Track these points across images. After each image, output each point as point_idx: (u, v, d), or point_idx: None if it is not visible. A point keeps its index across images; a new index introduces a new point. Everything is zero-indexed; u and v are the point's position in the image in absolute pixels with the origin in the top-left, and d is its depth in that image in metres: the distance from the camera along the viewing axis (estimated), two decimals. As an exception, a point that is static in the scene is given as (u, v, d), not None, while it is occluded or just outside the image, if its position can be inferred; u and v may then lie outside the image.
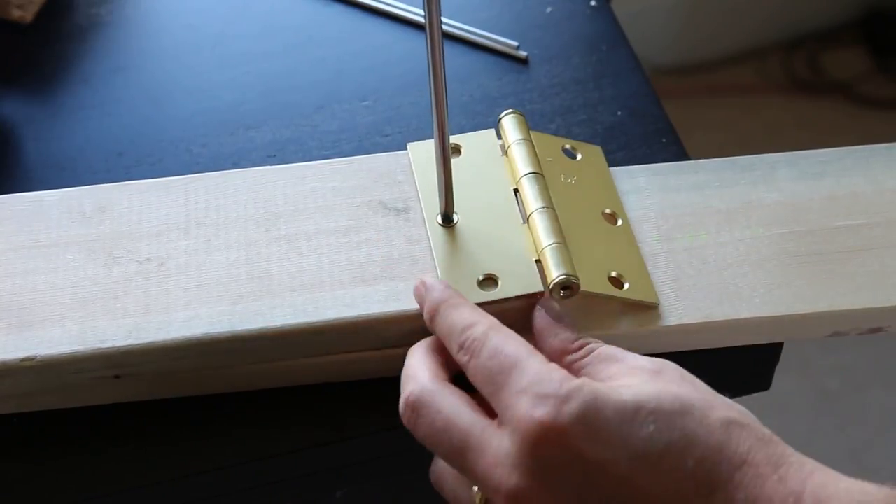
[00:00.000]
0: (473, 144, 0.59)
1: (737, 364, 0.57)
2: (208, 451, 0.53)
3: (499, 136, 0.59)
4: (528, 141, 0.57)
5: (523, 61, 0.70)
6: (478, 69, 0.70)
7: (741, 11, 1.80)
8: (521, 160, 0.56)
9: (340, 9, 0.75)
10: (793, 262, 0.55)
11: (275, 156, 0.66)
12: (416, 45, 0.72)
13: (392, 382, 0.55)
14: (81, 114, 0.69)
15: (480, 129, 0.62)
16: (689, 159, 0.63)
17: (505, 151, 0.57)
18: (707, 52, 1.83)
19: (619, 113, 0.67)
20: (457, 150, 0.58)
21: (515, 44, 0.71)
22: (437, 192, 0.55)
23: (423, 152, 0.58)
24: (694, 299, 0.54)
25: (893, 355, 1.59)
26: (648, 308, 0.54)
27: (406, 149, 0.59)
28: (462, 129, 0.66)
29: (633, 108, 0.67)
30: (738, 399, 0.61)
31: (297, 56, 0.72)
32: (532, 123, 0.66)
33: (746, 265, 0.55)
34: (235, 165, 0.64)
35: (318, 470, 0.56)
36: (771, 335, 0.55)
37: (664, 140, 0.65)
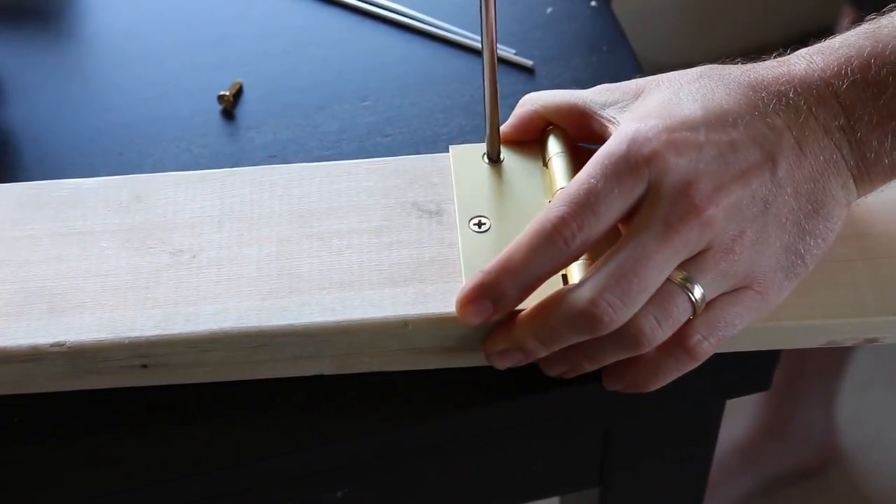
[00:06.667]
0: (515, 154, 0.59)
1: (737, 364, 0.57)
2: (208, 451, 0.53)
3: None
4: (568, 155, 0.57)
5: (529, 70, 0.70)
6: (478, 69, 0.70)
7: (741, 11, 1.80)
8: (558, 173, 0.56)
9: (340, 11, 0.75)
10: None
11: (275, 156, 0.66)
12: (416, 46, 0.73)
13: (392, 382, 0.55)
14: (81, 114, 0.69)
15: (480, 129, 0.61)
16: (689, 160, 0.63)
17: (545, 163, 0.57)
18: (707, 51, 1.83)
19: (620, 113, 0.67)
20: (498, 157, 0.58)
21: (514, 51, 0.71)
22: (472, 196, 0.56)
23: (463, 155, 0.58)
24: None
25: (893, 355, 1.59)
26: None
27: (429, 153, 0.59)
28: (462, 130, 0.66)
29: (634, 108, 0.67)
30: (738, 399, 0.62)
31: (298, 57, 0.72)
32: (532, 124, 0.66)
33: None
34: (236, 165, 0.64)
35: (319, 470, 0.56)
36: (765, 343, 0.55)
37: (664, 140, 0.65)
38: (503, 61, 0.71)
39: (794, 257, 0.51)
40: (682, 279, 0.49)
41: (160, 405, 0.54)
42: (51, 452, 0.53)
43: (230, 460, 0.53)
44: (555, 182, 0.55)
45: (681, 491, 0.70)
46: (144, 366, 0.53)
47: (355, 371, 0.54)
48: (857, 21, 0.54)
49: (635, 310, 0.48)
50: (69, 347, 0.52)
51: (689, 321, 0.50)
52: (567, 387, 0.55)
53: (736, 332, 0.51)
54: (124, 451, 0.53)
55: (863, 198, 0.54)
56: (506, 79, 0.70)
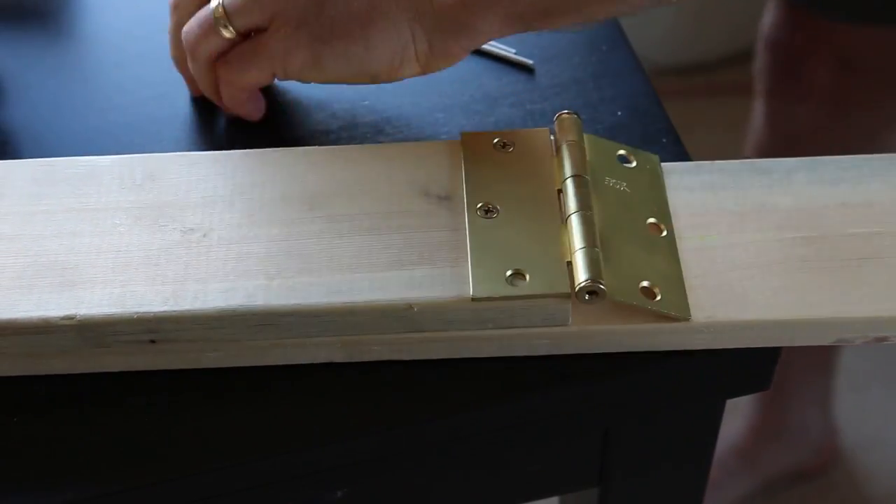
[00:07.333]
0: (526, 141, 0.59)
1: (737, 364, 0.57)
2: (208, 450, 0.53)
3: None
4: (579, 143, 0.57)
5: (529, 69, 0.70)
6: (478, 69, 0.70)
7: (741, 11, 1.80)
8: (568, 161, 0.56)
9: (340, 9, 0.75)
10: (801, 266, 0.55)
11: (275, 156, 0.66)
12: (417, 45, 0.72)
13: (392, 382, 0.55)
14: (81, 114, 0.69)
15: (480, 129, 0.61)
16: (690, 159, 0.63)
17: (556, 151, 0.57)
18: (707, 52, 1.83)
19: (619, 113, 0.67)
20: (510, 144, 0.59)
21: (513, 50, 0.71)
22: (481, 182, 0.56)
23: (473, 142, 0.59)
24: (698, 299, 0.54)
25: (893, 355, 1.59)
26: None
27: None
28: (462, 129, 0.66)
29: (633, 108, 0.67)
30: (738, 399, 0.62)
31: (298, 56, 0.72)
32: (532, 124, 0.66)
33: (754, 268, 0.55)
34: (236, 165, 0.64)
35: (318, 470, 0.56)
36: (774, 339, 0.55)
37: (664, 140, 0.65)
38: (503, 60, 0.71)
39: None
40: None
41: (160, 405, 0.55)
42: (51, 452, 0.53)
43: (230, 460, 0.53)
44: (563, 171, 0.56)
45: (680, 491, 0.70)
46: (153, 341, 0.53)
47: (364, 360, 0.55)
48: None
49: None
50: (79, 321, 0.52)
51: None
52: (567, 387, 0.55)
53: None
54: (125, 452, 0.53)
55: (876, 198, 0.53)
56: (506, 78, 0.70)
